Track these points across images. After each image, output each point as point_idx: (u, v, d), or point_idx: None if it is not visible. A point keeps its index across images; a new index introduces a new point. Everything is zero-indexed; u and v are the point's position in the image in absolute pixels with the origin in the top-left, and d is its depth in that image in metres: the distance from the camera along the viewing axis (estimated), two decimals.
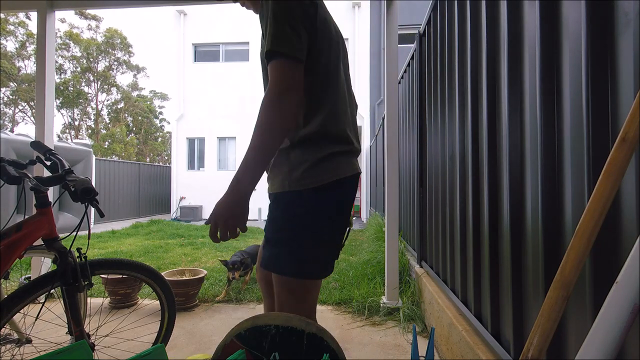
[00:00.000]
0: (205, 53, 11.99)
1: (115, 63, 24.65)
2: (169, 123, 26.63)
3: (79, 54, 22.72)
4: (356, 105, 1.16)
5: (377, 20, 11.01)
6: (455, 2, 1.82)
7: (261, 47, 0.94)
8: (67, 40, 21.95)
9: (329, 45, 0.99)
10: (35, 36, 2.83)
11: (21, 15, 19.04)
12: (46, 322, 1.51)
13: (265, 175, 0.98)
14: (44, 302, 1.41)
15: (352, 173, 1.02)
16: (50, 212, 1.40)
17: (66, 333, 1.41)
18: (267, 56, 0.87)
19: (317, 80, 0.97)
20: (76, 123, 24.44)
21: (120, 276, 2.52)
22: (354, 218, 10.69)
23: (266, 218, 1.06)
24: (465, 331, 1.49)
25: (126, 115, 26.35)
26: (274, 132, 0.85)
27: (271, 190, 1.04)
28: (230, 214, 0.86)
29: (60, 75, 22.08)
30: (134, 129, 27.23)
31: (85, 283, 1.37)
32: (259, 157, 0.86)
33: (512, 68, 1.19)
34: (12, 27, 19.79)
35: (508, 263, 1.19)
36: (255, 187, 0.87)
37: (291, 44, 0.86)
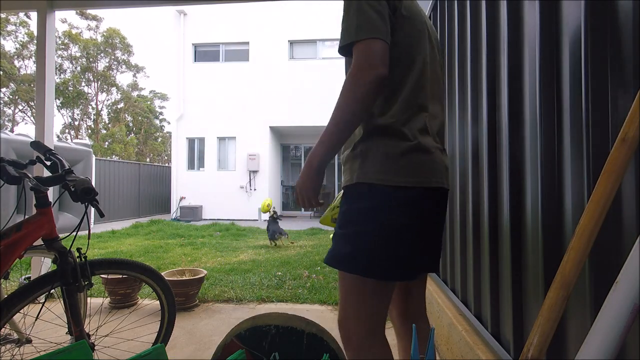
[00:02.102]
0: (205, 53, 11.98)
1: (115, 63, 24.65)
2: (169, 123, 26.62)
3: (78, 54, 22.72)
4: (443, 104, 1.08)
5: None
6: (455, 2, 1.82)
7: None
8: (67, 41, 21.95)
9: (403, 25, 0.92)
10: (36, 36, 2.83)
11: (22, 15, 19.05)
12: (46, 322, 1.51)
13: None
14: (44, 302, 1.41)
15: (433, 185, 0.92)
16: (50, 212, 1.40)
17: (66, 333, 1.41)
18: (348, 48, 0.86)
19: (391, 65, 0.90)
20: (76, 123, 24.45)
21: (120, 276, 2.52)
22: None
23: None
24: (465, 331, 1.49)
25: (126, 115, 26.35)
26: (348, 107, 0.83)
27: (343, 183, 0.99)
28: (301, 186, 0.90)
29: (60, 75, 22.08)
30: (134, 129, 27.23)
31: (85, 283, 1.38)
32: (331, 132, 0.85)
33: (512, 68, 1.19)
34: (12, 27, 19.79)
35: (508, 263, 1.19)
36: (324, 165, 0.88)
37: (370, 26, 0.83)
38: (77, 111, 24.24)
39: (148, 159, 28.60)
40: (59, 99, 21.85)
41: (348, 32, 0.85)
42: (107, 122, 26.02)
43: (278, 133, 12.31)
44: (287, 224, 9.76)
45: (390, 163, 0.88)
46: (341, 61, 11.04)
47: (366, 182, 0.89)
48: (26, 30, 20.07)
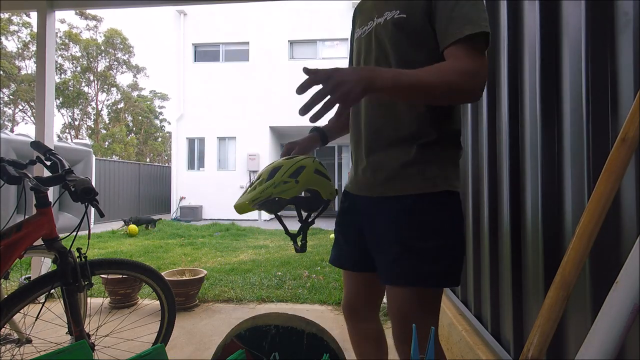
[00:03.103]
0: (205, 53, 11.98)
1: (115, 63, 24.64)
2: (169, 123, 26.62)
3: (78, 54, 22.71)
4: None
5: None
6: None
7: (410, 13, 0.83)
8: (67, 41, 21.94)
9: None
10: (36, 36, 2.83)
11: (25, 16, 19.03)
12: (46, 322, 1.51)
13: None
14: (44, 302, 1.41)
15: None
16: (50, 212, 1.40)
17: (66, 333, 1.41)
18: (463, 38, 0.76)
19: None
20: (76, 123, 24.43)
21: (120, 276, 2.52)
22: None
23: (383, 225, 0.89)
24: (465, 331, 1.49)
25: (126, 115, 26.34)
26: (444, 91, 0.75)
27: (408, 190, 0.86)
28: (349, 77, 0.70)
29: (60, 75, 22.05)
30: (134, 129, 27.21)
31: (85, 283, 1.37)
32: (416, 85, 0.73)
33: (512, 68, 1.19)
34: (15, 27, 19.77)
35: (508, 263, 1.19)
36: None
37: (487, 29, 0.77)
38: (77, 111, 24.23)
39: (148, 159, 28.58)
40: (59, 99, 21.83)
41: (483, 23, 0.76)
42: (107, 122, 26.01)
43: (278, 133, 12.31)
44: (286, 223, 9.74)
45: (456, 169, 0.90)
46: (341, 62, 11.04)
47: (451, 190, 0.87)
48: (29, 31, 20.05)
